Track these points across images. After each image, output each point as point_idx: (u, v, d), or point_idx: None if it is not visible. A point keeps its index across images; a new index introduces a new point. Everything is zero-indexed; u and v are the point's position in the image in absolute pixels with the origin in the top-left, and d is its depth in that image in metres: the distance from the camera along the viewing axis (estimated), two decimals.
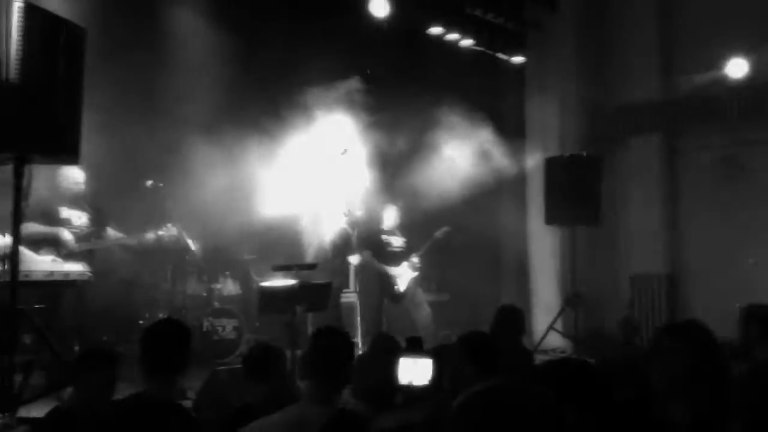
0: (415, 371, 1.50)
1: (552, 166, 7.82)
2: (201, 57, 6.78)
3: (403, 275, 7.17)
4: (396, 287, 7.09)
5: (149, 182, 5.92)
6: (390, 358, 1.50)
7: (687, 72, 8.00)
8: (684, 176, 8.26)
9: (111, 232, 5.98)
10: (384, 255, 7.13)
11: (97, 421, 2.62)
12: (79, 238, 5.55)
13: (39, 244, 5.13)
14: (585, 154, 7.98)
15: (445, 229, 7.34)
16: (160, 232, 6.22)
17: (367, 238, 7.01)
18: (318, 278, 5.91)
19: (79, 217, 5.71)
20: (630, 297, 8.26)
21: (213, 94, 6.58)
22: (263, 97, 6.75)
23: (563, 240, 8.16)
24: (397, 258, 7.20)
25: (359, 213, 6.82)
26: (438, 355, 1.55)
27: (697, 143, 8.15)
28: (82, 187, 5.72)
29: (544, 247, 8.52)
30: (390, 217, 7.28)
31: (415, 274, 7.27)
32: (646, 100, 8.24)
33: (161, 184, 5.89)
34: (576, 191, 7.56)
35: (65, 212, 5.63)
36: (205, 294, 7.04)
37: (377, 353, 1.53)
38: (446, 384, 1.55)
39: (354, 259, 6.79)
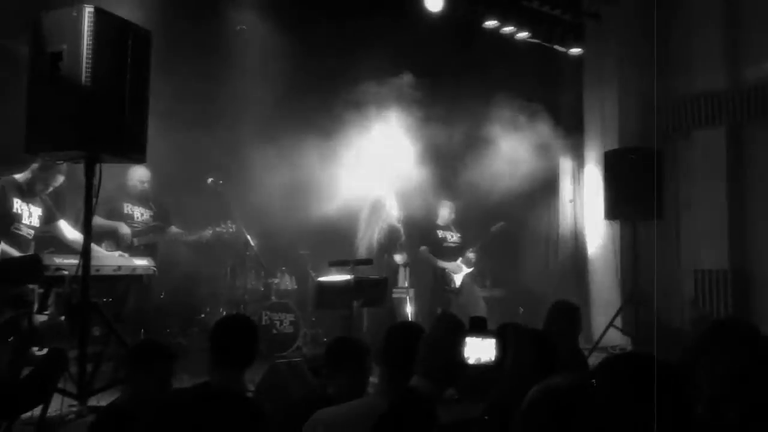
0: (480, 350, 1.51)
1: (611, 159, 7.64)
2: (259, 57, 6.90)
3: (459, 271, 7.14)
4: (451, 283, 7.07)
5: (210, 179, 6.08)
6: (455, 337, 1.50)
7: (753, 61, 7.68)
8: (751, 169, 7.94)
9: (173, 229, 6.20)
10: (439, 250, 7.12)
11: (156, 412, 2.67)
12: (138, 233, 5.78)
13: (101, 237, 5.34)
14: (645, 147, 7.77)
15: (500, 224, 7.28)
16: (218, 229, 6.43)
17: (423, 233, 6.99)
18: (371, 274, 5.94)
19: (141, 214, 5.97)
20: (693, 294, 8.02)
21: (270, 93, 6.69)
22: (319, 94, 6.81)
23: (623, 235, 7.97)
24: (452, 253, 7.18)
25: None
26: (502, 335, 1.55)
27: (764, 135, 7.82)
28: (147, 186, 5.98)
29: (602, 243, 8.34)
30: (445, 212, 7.25)
31: (471, 269, 7.23)
32: (711, 91, 7.94)
33: (221, 181, 6.04)
34: (636, 185, 7.36)
35: (128, 208, 5.90)
36: (262, 289, 7.17)
37: (442, 332, 1.53)
38: (508, 364, 1.55)
39: (399, 258, 6.68)
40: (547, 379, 1.31)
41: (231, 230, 6.59)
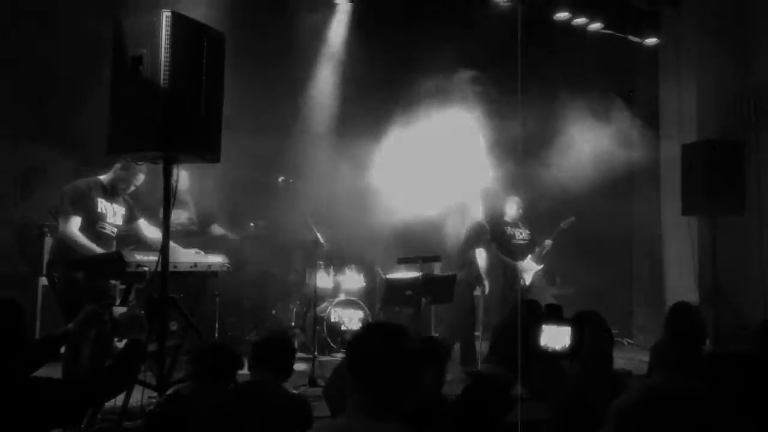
0: (556, 338, 1.49)
1: (689, 152, 7.35)
2: (329, 56, 6.97)
3: (529, 268, 7.02)
4: (521, 280, 6.96)
5: (281, 178, 6.18)
6: (532, 324, 1.47)
7: None
8: None
9: (215, 228, 6.31)
10: (508, 248, 7.01)
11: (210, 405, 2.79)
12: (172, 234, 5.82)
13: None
14: (727, 139, 7.43)
15: (570, 219, 7.12)
16: (251, 229, 6.71)
17: (492, 231, 6.92)
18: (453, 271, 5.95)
19: (177, 217, 5.94)
20: None
21: (340, 91, 6.76)
22: (388, 90, 6.83)
23: (701, 231, 7.65)
24: (521, 250, 7.06)
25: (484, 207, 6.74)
26: (578, 323, 1.51)
27: None
28: (183, 187, 5.91)
29: (679, 239, 8.02)
30: (512, 208, 7.14)
31: (541, 266, 7.10)
32: None
33: (291, 180, 6.13)
34: (716, 179, 7.06)
35: (161, 213, 5.85)
36: (332, 286, 7.27)
37: (518, 319, 1.49)
38: (585, 351, 1.51)
39: (479, 254, 6.62)
40: (651, 379, 1.26)
41: (265, 231, 6.75)
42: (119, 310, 3.60)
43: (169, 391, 3.55)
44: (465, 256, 6.51)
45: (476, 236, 6.52)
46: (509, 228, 7.10)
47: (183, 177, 5.82)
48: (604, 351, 1.80)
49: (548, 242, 7.04)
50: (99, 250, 4.46)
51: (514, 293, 6.94)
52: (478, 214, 6.69)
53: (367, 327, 2.19)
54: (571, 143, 7.13)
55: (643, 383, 1.17)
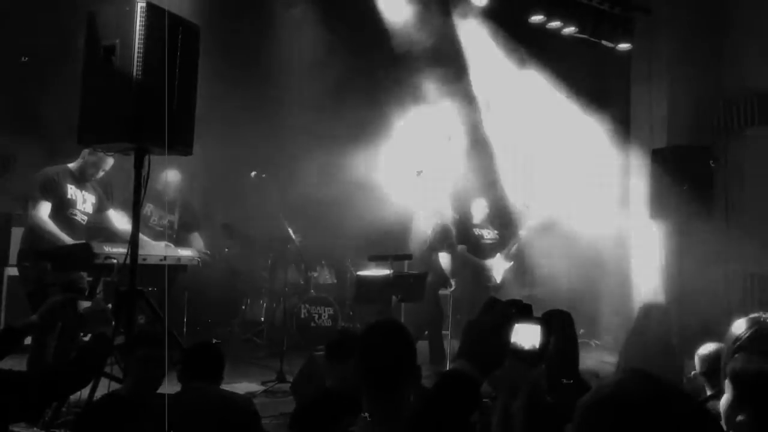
0: (526, 337, 1.51)
1: (659, 157, 7.48)
2: (306, 52, 6.94)
3: (498, 267, 7.09)
4: (492, 279, 7.02)
5: (253, 173, 6.14)
6: (503, 322, 1.49)
7: None
8: None
9: (196, 242, 6.15)
10: (477, 248, 7.07)
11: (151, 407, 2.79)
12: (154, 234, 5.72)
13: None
14: (695, 145, 7.58)
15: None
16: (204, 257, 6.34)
17: (460, 232, 6.97)
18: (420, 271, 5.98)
19: (160, 217, 5.90)
20: (741, 298, 7.78)
21: (317, 88, 6.73)
22: (363, 88, 6.83)
23: (669, 236, 7.78)
24: (490, 250, 7.12)
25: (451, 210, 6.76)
26: (547, 322, 1.54)
27: None
28: (172, 188, 5.88)
29: (647, 243, 8.16)
30: (479, 210, 7.20)
31: (510, 263, 7.17)
32: (765, 88, 7.69)
33: (264, 175, 6.10)
34: (685, 184, 7.20)
35: (147, 209, 5.72)
36: (302, 282, 7.25)
37: (495, 317, 1.50)
38: (552, 350, 1.55)
39: (442, 258, 6.65)
40: (620, 375, 1.28)
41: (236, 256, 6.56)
42: (84, 304, 3.54)
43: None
44: (429, 259, 6.55)
45: (440, 239, 6.57)
46: (477, 228, 7.15)
47: (174, 175, 5.77)
48: (571, 351, 1.82)
49: (522, 233, 7.11)
50: (67, 238, 4.41)
51: (485, 292, 7.00)
52: (446, 215, 6.73)
53: (377, 325, 2.14)
54: (539, 146, 7.21)
55: (611, 379, 1.18)
